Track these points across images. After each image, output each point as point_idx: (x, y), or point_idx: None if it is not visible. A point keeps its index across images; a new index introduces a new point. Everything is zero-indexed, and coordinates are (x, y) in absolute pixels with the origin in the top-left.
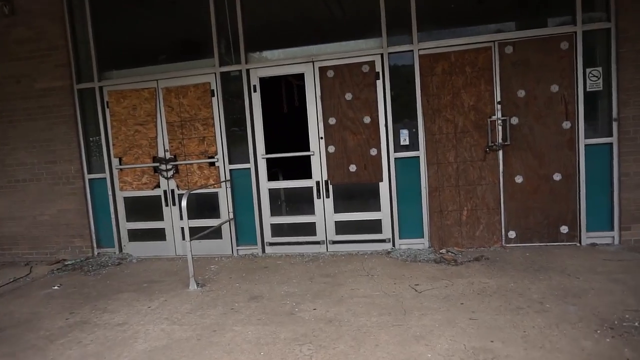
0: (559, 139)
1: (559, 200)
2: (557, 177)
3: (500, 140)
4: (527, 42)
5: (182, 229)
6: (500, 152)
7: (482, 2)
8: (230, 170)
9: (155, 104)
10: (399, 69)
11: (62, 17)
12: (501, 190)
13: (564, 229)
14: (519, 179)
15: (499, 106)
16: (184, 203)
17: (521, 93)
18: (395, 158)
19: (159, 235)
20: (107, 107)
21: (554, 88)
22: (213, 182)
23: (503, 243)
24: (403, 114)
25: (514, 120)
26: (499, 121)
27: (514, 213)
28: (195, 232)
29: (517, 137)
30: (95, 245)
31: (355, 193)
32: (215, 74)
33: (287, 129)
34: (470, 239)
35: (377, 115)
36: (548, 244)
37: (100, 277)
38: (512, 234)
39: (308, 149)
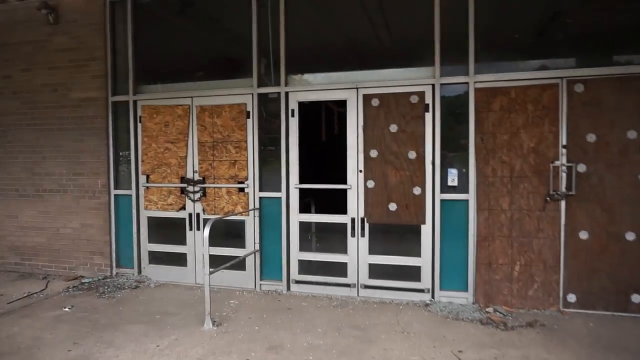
0: (634, 193)
1: (631, 264)
2: (630, 236)
3: (563, 189)
4: (602, 81)
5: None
6: (563, 203)
7: (543, 34)
8: (260, 198)
9: (188, 122)
10: (452, 102)
11: (103, 28)
12: (562, 246)
13: (636, 298)
14: (583, 235)
15: (564, 150)
16: (206, 233)
17: (591, 137)
18: (441, 200)
19: (180, 260)
20: (140, 121)
21: (632, 134)
22: (241, 210)
23: (560, 307)
24: (453, 152)
25: (581, 168)
26: (564, 167)
27: (575, 274)
28: (217, 262)
29: (583, 186)
30: (114, 264)
31: (393, 234)
32: (252, 94)
33: (323, 158)
34: (521, 298)
35: (424, 151)
36: (615, 313)
37: (114, 302)
38: (571, 298)
39: (345, 182)
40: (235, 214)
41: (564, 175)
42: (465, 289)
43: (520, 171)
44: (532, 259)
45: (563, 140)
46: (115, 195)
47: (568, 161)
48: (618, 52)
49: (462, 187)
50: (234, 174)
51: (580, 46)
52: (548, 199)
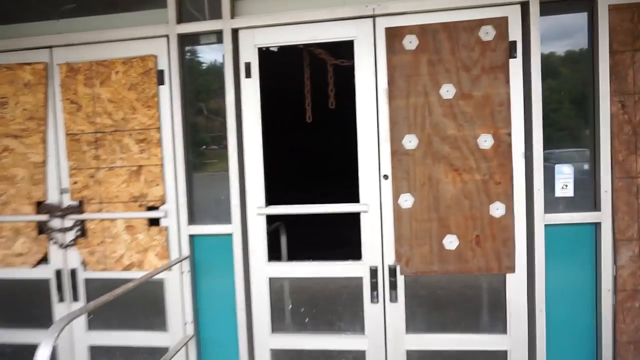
0: None
1: None
2: None
3: None
4: None
5: (91, 348)
6: None
7: None
8: (192, 236)
9: (45, 96)
10: (552, 39)
11: None
12: None
13: None
14: None
15: None
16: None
17: None
18: (545, 225)
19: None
20: None
21: None
22: (156, 260)
23: None
24: (562, 134)
25: None
26: None
27: None
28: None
29: None
30: None
31: (452, 294)
32: (167, 38)
33: (311, 156)
34: None
35: (509, 134)
36: None
37: None
38: None
39: (356, 199)
40: (143, 269)
41: None
42: None
43: None
44: None
45: None
46: None
47: None
48: None
49: (584, 198)
50: (137, 192)
51: None
52: None
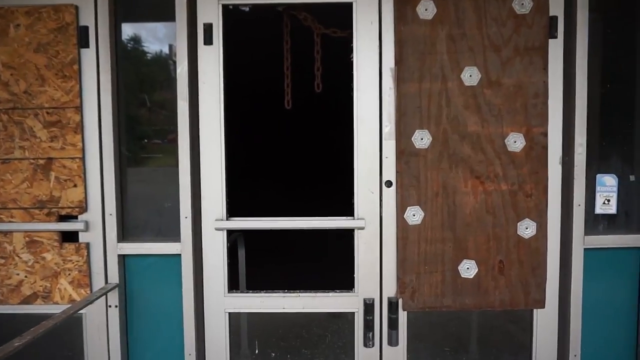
0: None
1: None
2: None
3: None
4: None
5: None
6: None
7: None
8: (123, 257)
9: None
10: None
11: None
12: None
13: None
14: None
15: None
16: None
17: None
18: (585, 249)
19: None
20: None
21: None
22: (69, 290)
23: None
24: (611, 133)
25: None
26: None
27: None
28: None
29: None
30: None
31: (466, 335)
32: None
33: (290, 154)
34: None
35: (545, 134)
36: None
37: None
38: None
39: (349, 212)
40: (54, 306)
41: None
42: None
43: None
44: None
45: None
46: None
47: None
48: None
49: (629, 216)
50: (45, 195)
51: None
52: None
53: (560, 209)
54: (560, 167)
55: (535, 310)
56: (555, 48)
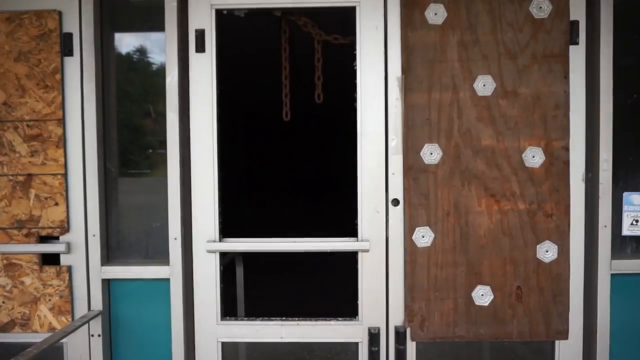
0: None
1: None
2: None
3: None
4: None
5: None
6: None
7: None
8: (108, 281)
9: None
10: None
11: None
12: None
13: None
14: None
15: None
16: None
17: None
18: (612, 274)
19: None
20: None
21: None
22: (48, 317)
23: None
24: (639, 147)
25: None
26: None
27: None
28: None
29: None
30: None
31: None
32: None
33: (289, 170)
34: None
35: (567, 148)
36: None
37: None
38: None
39: (352, 233)
40: (33, 334)
41: None
42: None
43: None
44: None
45: None
46: None
47: None
48: None
49: None
50: (24, 214)
51: None
52: None
53: (583, 230)
54: (583, 184)
55: (557, 342)
56: (577, 55)
